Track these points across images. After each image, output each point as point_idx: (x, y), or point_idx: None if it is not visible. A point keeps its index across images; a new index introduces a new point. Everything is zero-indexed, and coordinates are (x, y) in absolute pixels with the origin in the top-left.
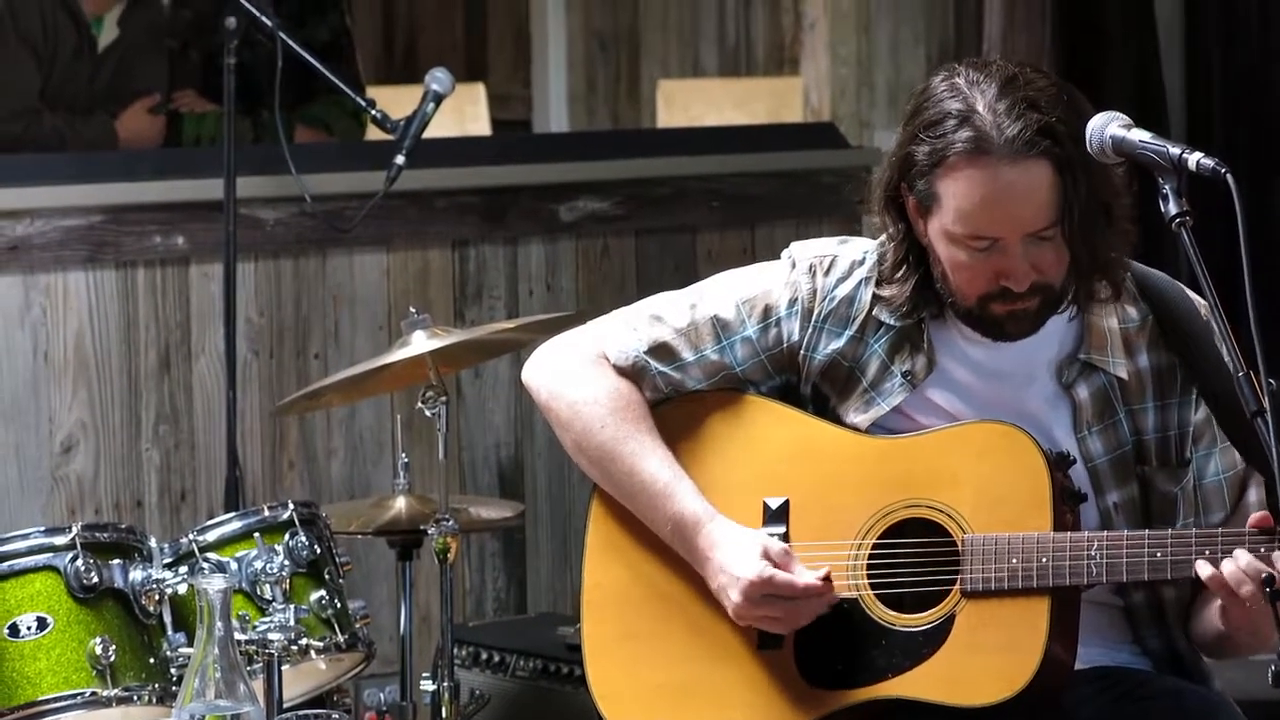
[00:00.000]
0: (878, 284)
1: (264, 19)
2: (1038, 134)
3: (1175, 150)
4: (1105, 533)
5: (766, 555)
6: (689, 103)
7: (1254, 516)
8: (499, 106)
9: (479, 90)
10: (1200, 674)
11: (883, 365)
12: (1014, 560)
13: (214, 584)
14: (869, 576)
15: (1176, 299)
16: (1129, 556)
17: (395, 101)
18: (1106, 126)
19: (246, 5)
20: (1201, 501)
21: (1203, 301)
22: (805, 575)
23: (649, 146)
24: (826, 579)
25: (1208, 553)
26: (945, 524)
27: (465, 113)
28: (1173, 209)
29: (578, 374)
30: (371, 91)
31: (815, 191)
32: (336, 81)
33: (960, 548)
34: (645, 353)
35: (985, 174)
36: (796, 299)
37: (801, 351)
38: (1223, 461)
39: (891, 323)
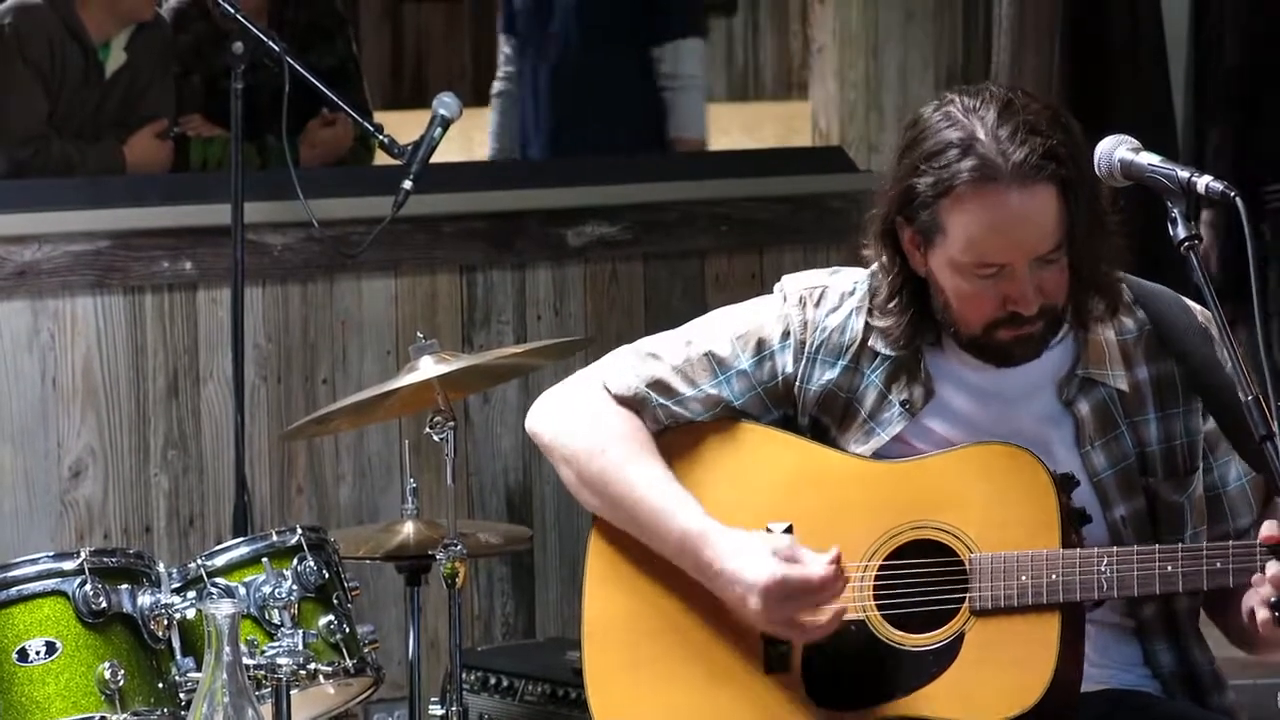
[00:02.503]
0: (870, 314)
1: (271, 44)
2: (1043, 158)
3: (1184, 174)
4: (1115, 548)
5: (775, 553)
6: None
7: (1265, 531)
8: None
9: (487, 115)
10: (1216, 684)
11: (880, 395)
12: (1023, 577)
13: (222, 609)
14: (876, 598)
15: (1174, 308)
16: (1139, 570)
17: (403, 126)
18: (1115, 150)
19: (254, 30)
20: (1229, 508)
21: (1202, 310)
22: (816, 562)
23: (657, 171)
24: (837, 560)
25: (1219, 565)
26: (952, 545)
27: (473, 138)
28: (1181, 233)
29: (577, 410)
30: (379, 116)
31: (823, 216)
32: (343, 106)
33: (968, 566)
34: (645, 386)
35: (993, 201)
36: (789, 332)
37: (796, 384)
38: (1242, 465)
39: (888, 353)
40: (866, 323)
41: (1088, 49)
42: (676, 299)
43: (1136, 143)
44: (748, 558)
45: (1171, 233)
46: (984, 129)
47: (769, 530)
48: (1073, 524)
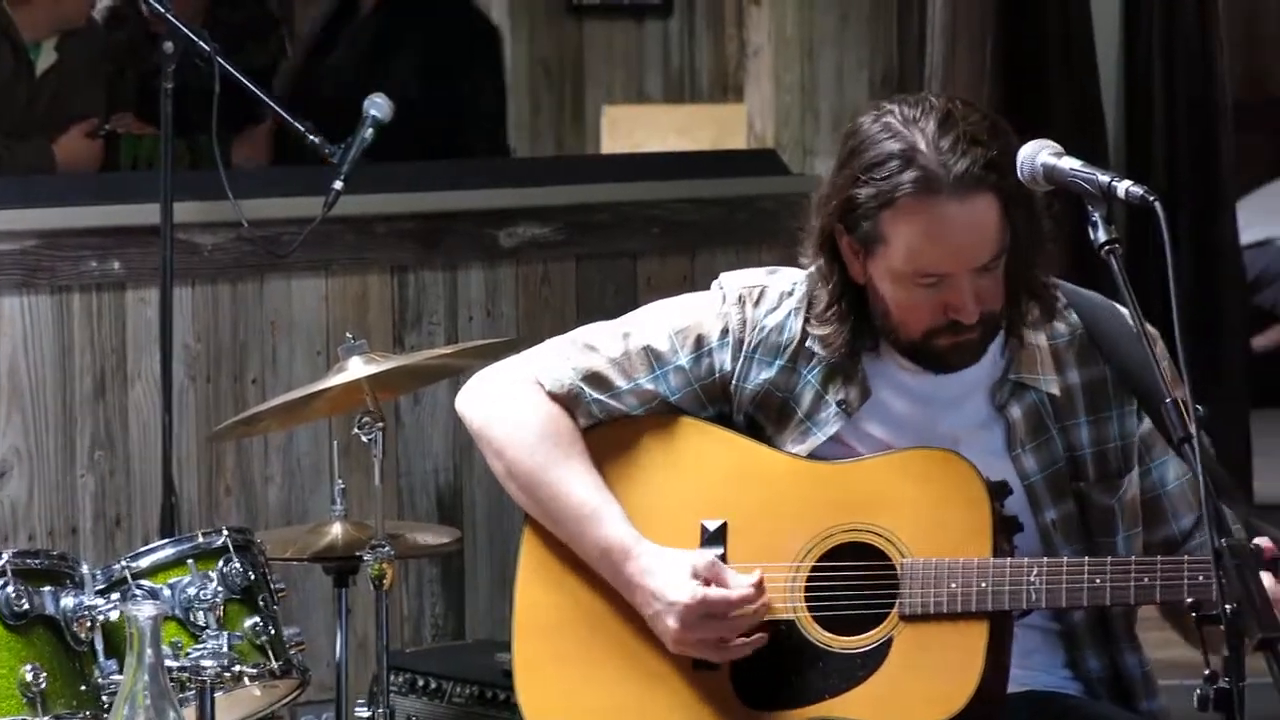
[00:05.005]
0: (809, 323)
1: (202, 44)
2: (984, 169)
3: (1104, 178)
4: (1045, 559)
5: (695, 574)
6: (633, 129)
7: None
8: None
9: None
10: (1147, 688)
11: (817, 395)
12: (953, 585)
13: (143, 611)
14: (807, 598)
15: (1105, 311)
16: (1069, 583)
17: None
18: (1037, 155)
19: (184, 29)
20: (1170, 509)
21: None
22: (737, 582)
23: (590, 172)
24: (759, 584)
25: (1146, 580)
26: (884, 548)
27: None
28: (1101, 237)
29: (510, 401)
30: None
31: (756, 218)
32: (274, 106)
33: (899, 571)
34: (580, 380)
35: (935, 213)
36: (728, 330)
37: (733, 382)
38: (1180, 466)
39: (825, 354)
40: (805, 327)
41: (1019, 53)
42: (608, 300)
43: (1059, 147)
44: (668, 576)
45: (1092, 237)
46: (925, 140)
47: (703, 527)
48: (1004, 532)
